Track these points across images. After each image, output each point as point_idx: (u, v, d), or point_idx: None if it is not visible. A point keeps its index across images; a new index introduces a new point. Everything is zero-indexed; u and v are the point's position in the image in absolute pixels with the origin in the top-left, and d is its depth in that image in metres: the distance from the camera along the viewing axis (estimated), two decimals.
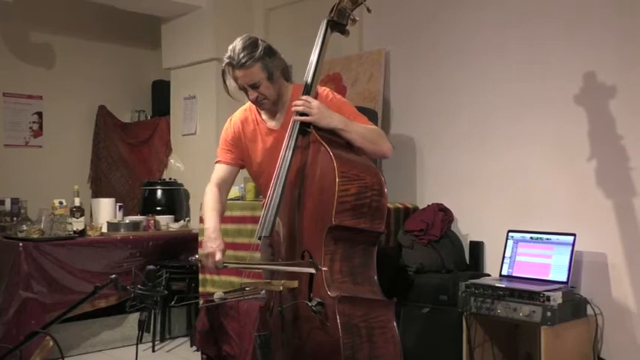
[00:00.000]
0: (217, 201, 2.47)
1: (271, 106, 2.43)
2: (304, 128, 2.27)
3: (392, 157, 2.42)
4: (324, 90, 2.43)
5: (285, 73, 2.43)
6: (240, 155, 2.54)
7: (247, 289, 2.29)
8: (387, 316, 2.21)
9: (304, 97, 2.27)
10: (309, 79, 2.34)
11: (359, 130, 2.31)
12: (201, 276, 4.17)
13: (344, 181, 2.12)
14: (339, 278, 2.14)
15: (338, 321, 2.04)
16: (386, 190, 2.24)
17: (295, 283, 2.15)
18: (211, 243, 2.28)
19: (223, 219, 4.08)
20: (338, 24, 2.39)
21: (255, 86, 2.33)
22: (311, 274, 2.12)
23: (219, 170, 2.56)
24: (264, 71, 2.30)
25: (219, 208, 2.45)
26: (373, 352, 2.12)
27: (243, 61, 2.27)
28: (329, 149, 2.16)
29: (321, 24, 2.39)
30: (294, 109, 2.27)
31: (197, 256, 4.19)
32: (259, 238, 2.26)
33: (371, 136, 2.34)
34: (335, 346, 2.04)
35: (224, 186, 2.55)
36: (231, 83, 2.38)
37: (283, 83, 2.42)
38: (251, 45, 2.30)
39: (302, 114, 2.25)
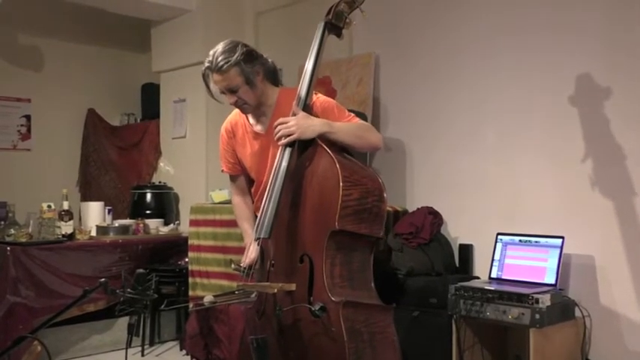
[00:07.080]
0: (244, 208, 2.59)
1: (253, 110, 2.42)
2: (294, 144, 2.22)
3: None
4: None
5: (270, 78, 2.42)
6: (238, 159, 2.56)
7: (237, 292, 2.27)
8: (387, 321, 2.20)
9: (278, 121, 2.22)
10: (307, 80, 2.30)
11: (343, 129, 2.28)
12: (190, 280, 4.16)
13: (347, 186, 2.10)
14: (339, 283, 2.12)
15: (342, 326, 2.01)
16: (385, 195, 2.23)
17: (293, 286, 2.12)
18: (248, 253, 2.41)
19: (213, 222, 4.09)
20: (335, 26, 2.38)
21: (232, 90, 2.32)
22: (311, 275, 2.10)
23: (234, 181, 2.62)
24: (241, 76, 2.29)
25: (248, 213, 2.56)
26: (375, 357, 2.11)
27: (220, 64, 2.27)
28: (331, 153, 2.14)
29: (319, 26, 2.37)
30: (276, 137, 2.22)
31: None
32: (257, 239, 2.24)
33: (357, 131, 2.32)
34: (340, 351, 2.01)
35: (246, 190, 2.61)
36: (213, 86, 2.38)
37: (268, 87, 2.41)
38: (229, 50, 2.29)
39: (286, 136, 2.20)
